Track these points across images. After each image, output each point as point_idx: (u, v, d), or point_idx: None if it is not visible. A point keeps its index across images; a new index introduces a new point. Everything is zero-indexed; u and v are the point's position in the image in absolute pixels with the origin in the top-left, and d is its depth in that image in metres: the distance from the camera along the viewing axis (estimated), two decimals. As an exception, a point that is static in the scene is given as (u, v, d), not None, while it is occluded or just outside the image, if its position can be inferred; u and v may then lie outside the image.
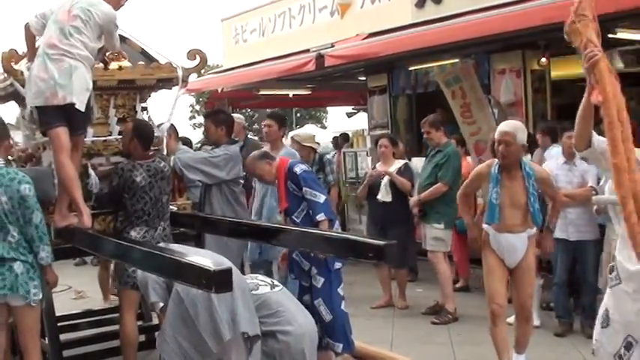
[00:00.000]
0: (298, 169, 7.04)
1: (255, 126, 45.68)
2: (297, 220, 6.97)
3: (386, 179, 9.71)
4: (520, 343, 7.03)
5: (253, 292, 5.72)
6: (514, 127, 6.77)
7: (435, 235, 9.27)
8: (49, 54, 6.12)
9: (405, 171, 9.78)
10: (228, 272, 4.40)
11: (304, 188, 6.93)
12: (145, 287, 5.66)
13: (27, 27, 6.49)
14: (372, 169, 10.35)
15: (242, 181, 7.70)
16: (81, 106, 6.10)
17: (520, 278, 6.85)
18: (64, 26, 6.16)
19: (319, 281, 6.85)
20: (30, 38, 6.53)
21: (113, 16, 6.36)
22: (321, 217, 6.86)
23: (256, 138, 20.09)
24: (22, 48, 7.05)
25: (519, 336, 7.02)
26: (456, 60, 12.90)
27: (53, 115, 6.13)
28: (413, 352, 7.69)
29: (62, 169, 6.17)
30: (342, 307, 7.01)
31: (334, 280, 6.97)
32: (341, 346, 6.96)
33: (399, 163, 9.86)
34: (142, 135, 6.69)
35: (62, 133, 6.18)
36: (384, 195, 9.68)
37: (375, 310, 9.88)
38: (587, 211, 8.05)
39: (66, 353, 6.81)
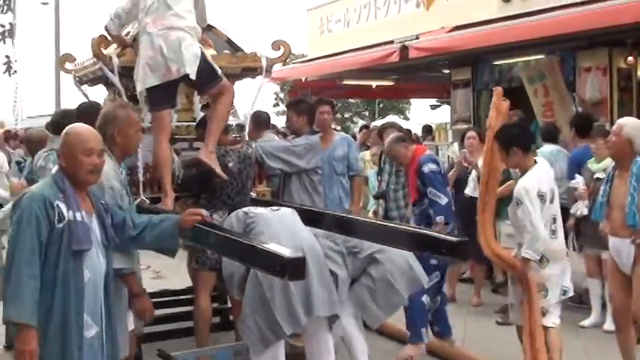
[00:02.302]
0: (426, 168, 7.45)
1: (338, 115, 45.71)
2: (416, 213, 7.62)
3: (474, 174, 9.38)
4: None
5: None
6: (628, 122, 6.52)
7: (508, 232, 9.09)
8: (152, 33, 6.31)
9: None
10: (301, 260, 4.51)
11: (429, 188, 7.40)
12: (230, 281, 5.82)
13: (106, 30, 6.75)
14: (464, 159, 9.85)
15: (320, 171, 7.76)
16: (193, 76, 6.27)
17: (634, 287, 6.29)
18: (163, 1, 6.34)
19: None
20: (115, 37, 6.77)
21: None
22: (440, 219, 7.30)
23: (338, 127, 20.16)
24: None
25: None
26: (541, 56, 12.78)
27: (163, 96, 6.40)
28: (483, 350, 7.70)
29: (160, 149, 6.44)
30: (423, 298, 7.18)
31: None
32: (408, 334, 7.11)
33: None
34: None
35: (167, 115, 6.51)
36: (472, 190, 9.46)
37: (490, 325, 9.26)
38: None
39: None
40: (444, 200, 7.37)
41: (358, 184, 8.56)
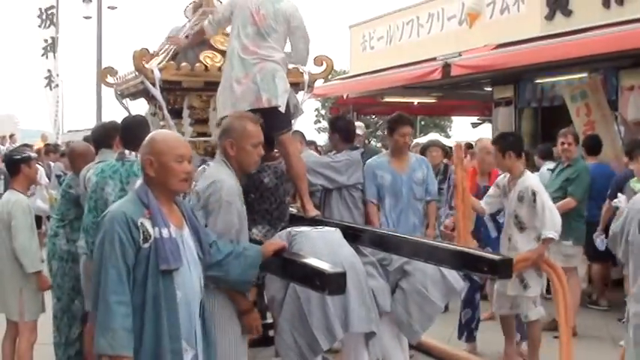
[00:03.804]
0: None
1: (379, 132, 45.70)
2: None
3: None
4: None
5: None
6: None
7: (564, 252, 9.03)
8: (246, 59, 6.29)
9: None
10: (342, 275, 4.49)
11: None
12: (272, 303, 5.80)
13: (201, 31, 6.84)
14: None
15: (361, 188, 7.73)
16: (283, 108, 6.28)
17: None
18: (258, 29, 6.32)
19: None
20: (199, 37, 6.91)
21: (297, 13, 6.48)
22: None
23: (379, 144, 20.14)
24: (152, 47, 7.33)
25: None
26: (584, 74, 12.73)
27: None
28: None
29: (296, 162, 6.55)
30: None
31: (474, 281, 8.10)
32: None
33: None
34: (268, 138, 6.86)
35: None
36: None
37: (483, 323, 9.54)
38: None
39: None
40: None
41: (434, 209, 8.19)
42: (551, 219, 7.10)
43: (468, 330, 8.37)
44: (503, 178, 7.68)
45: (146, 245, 3.92)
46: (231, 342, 5.02)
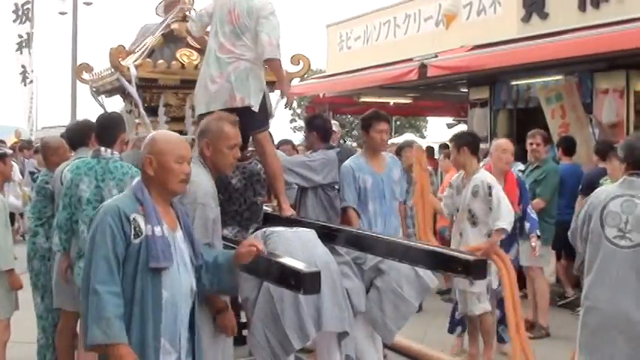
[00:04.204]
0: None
1: (355, 132, 45.73)
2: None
3: None
4: None
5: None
6: None
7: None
8: (221, 58, 6.27)
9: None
10: (316, 274, 4.49)
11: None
12: (245, 303, 5.78)
13: (188, 32, 6.79)
14: None
15: (336, 187, 7.72)
16: (256, 108, 6.25)
17: None
18: (233, 27, 6.28)
19: None
20: (198, 39, 6.84)
21: (268, 6, 6.31)
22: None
23: (355, 144, 20.14)
24: (128, 44, 7.31)
25: None
26: (559, 77, 12.79)
27: None
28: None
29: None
30: None
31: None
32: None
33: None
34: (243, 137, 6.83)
35: None
36: None
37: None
38: None
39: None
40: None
41: (403, 209, 8.15)
42: (505, 212, 7.37)
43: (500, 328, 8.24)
44: (457, 177, 8.03)
45: (137, 241, 3.90)
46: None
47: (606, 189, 5.66)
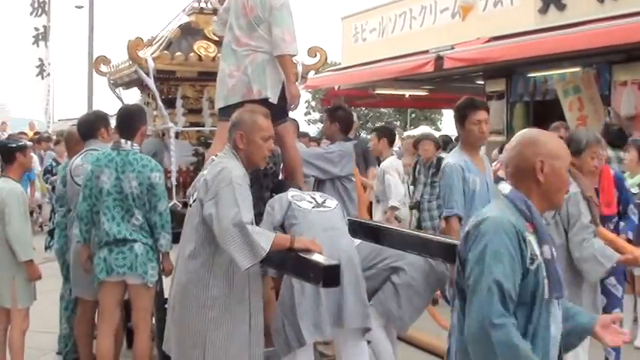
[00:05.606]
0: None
1: (369, 125, 45.70)
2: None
3: None
4: None
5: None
6: None
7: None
8: (238, 51, 6.25)
9: None
10: (336, 268, 4.48)
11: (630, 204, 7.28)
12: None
13: (214, 33, 6.84)
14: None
15: (353, 179, 7.71)
16: (274, 100, 6.21)
17: None
18: (248, 20, 6.25)
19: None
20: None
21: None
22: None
23: (369, 136, 20.13)
24: (146, 37, 7.33)
25: None
26: (577, 69, 12.73)
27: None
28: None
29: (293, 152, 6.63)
30: None
31: None
32: None
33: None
34: None
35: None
36: None
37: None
38: None
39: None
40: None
41: None
42: (395, 192, 9.88)
43: None
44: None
45: (532, 267, 3.21)
46: None
47: None
